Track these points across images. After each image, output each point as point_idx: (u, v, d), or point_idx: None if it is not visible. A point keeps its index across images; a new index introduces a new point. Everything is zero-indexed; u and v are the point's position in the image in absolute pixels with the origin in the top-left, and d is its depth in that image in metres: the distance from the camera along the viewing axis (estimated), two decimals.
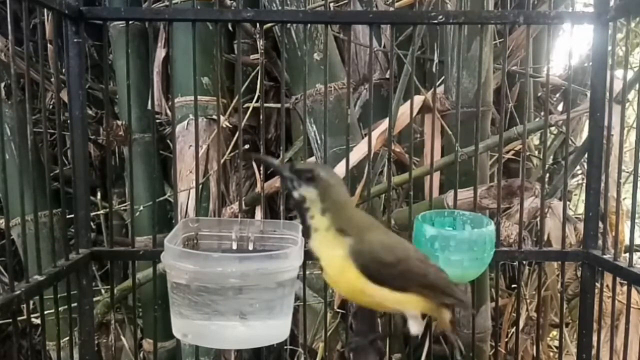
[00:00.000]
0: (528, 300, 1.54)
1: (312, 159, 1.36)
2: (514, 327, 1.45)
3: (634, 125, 1.08)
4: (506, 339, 1.58)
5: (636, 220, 0.98)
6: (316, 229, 0.69)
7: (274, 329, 0.79)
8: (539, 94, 1.81)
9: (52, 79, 1.43)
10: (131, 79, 1.04)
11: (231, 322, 0.75)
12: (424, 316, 0.80)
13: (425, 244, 0.88)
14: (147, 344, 1.51)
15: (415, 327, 0.75)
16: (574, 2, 1.10)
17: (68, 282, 0.96)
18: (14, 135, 1.45)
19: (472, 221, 0.96)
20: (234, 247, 0.92)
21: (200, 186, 1.36)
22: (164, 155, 1.61)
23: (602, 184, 1.04)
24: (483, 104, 1.32)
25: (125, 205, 1.59)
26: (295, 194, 0.69)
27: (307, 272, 1.08)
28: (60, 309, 0.95)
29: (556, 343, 1.77)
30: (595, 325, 1.07)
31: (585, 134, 1.81)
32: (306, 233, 0.71)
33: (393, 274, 0.71)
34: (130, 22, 1.03)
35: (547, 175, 1.73)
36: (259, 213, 1.38)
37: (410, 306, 0.74)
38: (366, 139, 1.08)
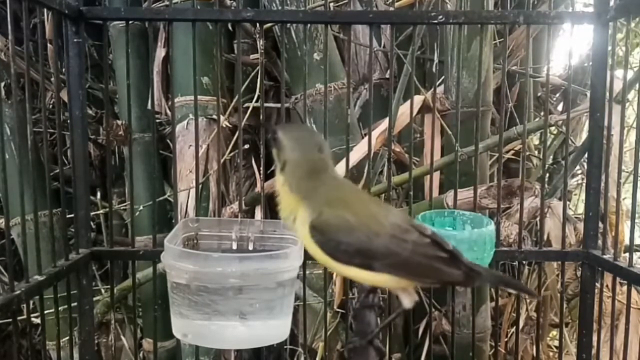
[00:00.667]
0: (528, 300, 1.54)
1: None
2: (514, 327, 1.45)
3: (634, 125, 1.08)
4: (506, 339, 1.58)
5: (636, 220, 0.98)
6: (278, 183, 0.72)
7: (274, 329, 0.79)
8: (539, 94, 1.81)
9: (52, 79, 1.43)
10: (131, 79, 1.04)
11: (231, 322, 0.75)
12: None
13: None
14: (147, 343, 1.51)
15: (407, 300, 0.73)
16: (574, 2, 1.10)
17: (68, 282, 0.96)
18: (14, 135, 1.45)
19: (472, 221, 0.96)
20: (234, 247, 0.92)
21: (200, 186, 1.36)
22: (164, 155, 1.61)
23: (602, 184, 1.04)
24: (483, 104, 1.32)
25: (125, 205, 1.59)
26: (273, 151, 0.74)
27: (307, 272, 1.08)
28: (60, 308, 0.95)
29: (556, 343, 1.77)
30: (595, 325, 1.07)
31: (585, 134, 1.81)
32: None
33: (350, 253, 0.69)
34: (130, 22, 1.03)
35: (547, 175, 1.73)
36: (259, 213, 1.38)
37: (381, 284, 0.73)
38: (366, 138, 1.08)
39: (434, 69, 1.48)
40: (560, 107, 1.91)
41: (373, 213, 0.73)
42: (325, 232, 0.68)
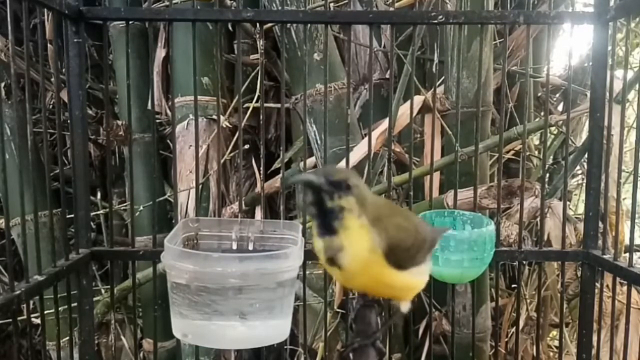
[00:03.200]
0: (528, 300, 1.55)
1: (312, 159, 1.36)
2: (514, 327, 1.45)
3: (634, 125, 1.08)
4: (506, 339, 1.58)
5: (636, 220, 0.98)
6: (347, 228, 0.68)
7: (274, 329, 0.79)
8: (539, 94, 1.81)
9: (52, 79, 1.44)
10: (131, 79, 1.04)
11: (231, 322, 0.75)
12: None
13: None
14: (147, 343, 1.51)
15: (406, 306, 0.75)
16: (574, 2, 1.10)
17: (68, 282, 0.96)
18: (14, 135, 1.45)
19: (472, 221, 0.96)
20: (234, 247, 0.92)
21: (200, 186, 1.36)
22: (164, 155, 1.61)
23: (602, 184, 1.04)
24: (483, 104, 1.32)
25: (125, 205, 1.59)
26: (330, 204, 0.67)
27: (307, 272, 1.08)
28: (60, 309, 0.95)
29: (556, 343, 1.77)
30: (595, 325, 1.07)
31: (585, 134, 1.81)
32: (330, 231, 0.69)
33: (412, 256, 0.72)
34: (130, 22, 1.03)
35: (547, 175, 1.73)
36: (259, 213, 1.39)
37: (421, 284, 0.75)
38: (366, 139, 1.08)
39: (434, 69, 1.48)
40: (560, 107, 1.91)
41: (407, 215, 0.80)
42: (392, 241, 0.69)
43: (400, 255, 0.70)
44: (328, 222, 0.68)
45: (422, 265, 0.74)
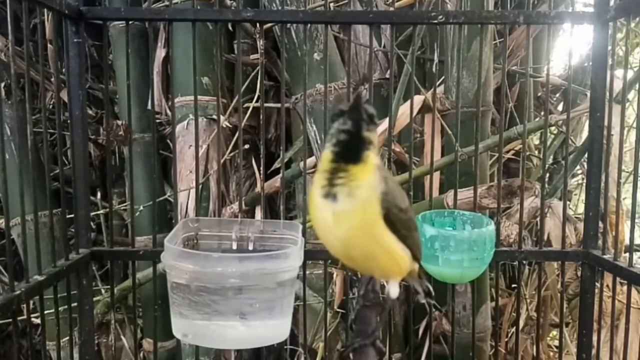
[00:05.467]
0: (528, 300, 1.54)
1: (312, 159, 1.36)
2: (514, 327, 1.45)
3: (634, 125, 1.08)
4: (506, 339, 1.58)
5: (636, 220, 0.98)
6: (366, 162, 0.66)
7: (274, 329, 0.79)
8: (539, 94, 1.81)
9: (52, 79, 1.44)
10: (131, 79, 1.04)
11: (231, 322, 0.75)
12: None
13: (425, 244, 0.88)
14: (147, 343, 1.51)
15: (394, 290, 0.74)
16: (574, 2, 1.10)
17: (68, 282, 0.96)
18: (14, 135, 1.45)
19: (472, 221, 0.96)
20: (234, 247, 0.92)
21: (200, 186, 1.36)
22: (164, 155, 1.61)
23: (602, 184, 1.04)
24: (483, 104, 1.32)
25: (125, 205, 1.59)
26: (366, 134, 0.67)
27: (307, 272, 1.08)
28: (60, 309, 0.95)
29: (556, 343, 1.77)
30: (595, 325, 1.07)
31: (585, 134, 1.81)
32: (356, 159, 0.67)
33: (404, 220, 0.70)
34: (130, 22, 1.03)
35: (547, 175, 1.73)
36: (259, 213, 1.39)
37: (405, 262, 0.73)
38: None
39: (434, 69, 1.48)
40: (560, 107, 1.91)
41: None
42: (391, 199, 0.68)
43: (394, 212, 0.68)
44: (357, 150, 0.66)
45: (406, 242, 0.72)
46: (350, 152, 0.66)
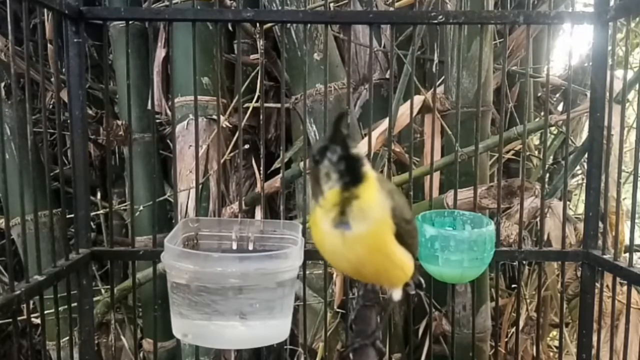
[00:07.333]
0: (528, 300, 1.54)
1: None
2: (514, 327, 1.45)
3: (634, 125, 1.08)
4: (506, 339, 1.58)
5: (636, 220, 0.98)
6: (367, 178, 0.66)
7: (274, 329, 0.79)
8: (539, 94, 1.81)
9: (52, 79, 1.44)
10: (131, 79, 1.04)
11: (231, 322, 0.75)
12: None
13: (425, 244, 0.88)
14: (147, 343, 1.51)
15: (397, 293, 0.75)
16: (574, 2, 1.10)
17: (68, 282, 0.96)
18: (14, 135, 1.45)
19: (472, 221, 0.96)
20: (234, 247, 0.92)
21: (200, 186, 1.36)
22: (164, 155, 1.61)
23: (602, 184, 1.04)
24: (483, 104, 1.32)
25: (125, 205, 1.59)
26: (355, 151, 0.66)
27: (307, 272, 1.08)
28: (60, 308, 0.95)
29: (556, 343, 1.77)
30: (595, 325, 1.07)
31: (585, 134, 1.81)
32: (356, 179, 0.66)
33: (410, 230, 0.71)
34: (130, 22, 1.03)
35: (547, 175, 1.73)
36: (259, 213, 1.39)
37: (410, 269, 0.73)
38: (366, 138, 1.08)
39: (434, 69, 1.48)
40: (560, 107, 1.91)
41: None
42: (399, 213, 0.68)
43: (402, 225, 0.68)
44: (353, 170, 0.65)
45: (410, 249, 0.72)
46: (351, 175, 0.66)
